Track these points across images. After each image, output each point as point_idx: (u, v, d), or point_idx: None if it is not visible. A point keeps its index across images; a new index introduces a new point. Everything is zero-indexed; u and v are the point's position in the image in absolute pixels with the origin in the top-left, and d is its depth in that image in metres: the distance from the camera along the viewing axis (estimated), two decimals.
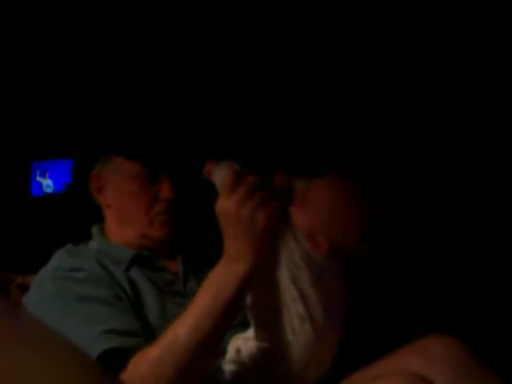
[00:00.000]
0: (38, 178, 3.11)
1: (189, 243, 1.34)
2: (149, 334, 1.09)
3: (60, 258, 1.19)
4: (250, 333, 1.04)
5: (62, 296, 1.08)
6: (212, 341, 0.94)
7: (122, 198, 1.24)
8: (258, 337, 1.02)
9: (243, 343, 1.04)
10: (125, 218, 1.25)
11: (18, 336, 0.60)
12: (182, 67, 1.95)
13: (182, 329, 0.93)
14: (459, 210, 1.78)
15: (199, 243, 1.37)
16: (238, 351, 1.03)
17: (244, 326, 1.06)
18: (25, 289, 1.25)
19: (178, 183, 1.24)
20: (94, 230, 1.30)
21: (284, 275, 0.96)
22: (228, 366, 1.04)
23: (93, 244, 1.27)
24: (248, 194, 0.91)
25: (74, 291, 1.09)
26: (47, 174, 3.13)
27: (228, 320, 0.96)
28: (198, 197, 1.69)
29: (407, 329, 1.09)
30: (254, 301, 1.00)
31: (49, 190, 3.14)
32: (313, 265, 0.96)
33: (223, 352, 1.05)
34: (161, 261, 1.27)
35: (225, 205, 0.92)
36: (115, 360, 0.95)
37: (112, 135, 1.34)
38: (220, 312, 0.93)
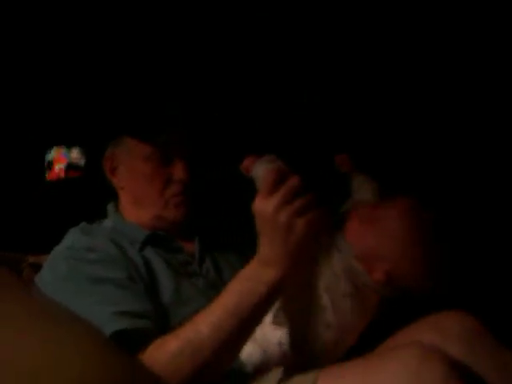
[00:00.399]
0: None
1: (205, 224, 1.32)
2: (162, 314, 1.07)
3: (74, 237, 1.17)
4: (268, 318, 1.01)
5: (74, 277, 1.06)
6: (234, 341, 0.91)
7: (135, 180, 1.23)
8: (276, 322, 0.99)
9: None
10: (138, 200, 1.24)
11: (29, 312, 0.60)
12: (190, 56, 1.94)
13: (204, 326, 0.89)
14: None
15: (216, 224, 1.36)
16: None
17: None
18: (37, 268, 1.23)
19: (191, 164, 1.22)
20: (109, 207, 1.29)
21: (319, 283, 0.93)
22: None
23: (108, 222, 1.25)
24: (289, 198, 0.86)
25: (87, 272, 1.07)
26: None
27: (253, 323, 0.93)
28: (215, 179, 1.69)
29: (422, 304, 1.07)
30: (284, 300, 0.97)
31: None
32: (354, 279, 0.93)
33: None
34: (176, 241, 1.25)
35: (263, 206, 0.87)
36: (126, 342, 0.92)
37: (124, 116, 1.32)
38: (245, 315, 0.89)
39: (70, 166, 2.95)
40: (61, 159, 2.95)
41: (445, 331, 0.96)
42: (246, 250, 1.33)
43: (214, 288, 1.17)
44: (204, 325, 0.89)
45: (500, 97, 1.75)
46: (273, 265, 0.89)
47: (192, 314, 1.08)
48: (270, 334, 0.98)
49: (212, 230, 1.32)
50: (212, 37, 1.87)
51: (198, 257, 1.22)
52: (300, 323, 0.95)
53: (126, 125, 1.27)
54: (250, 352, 1.00)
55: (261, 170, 0.91)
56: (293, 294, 0.94)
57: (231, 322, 0.89)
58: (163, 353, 0.88)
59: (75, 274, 1.07)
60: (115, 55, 1.88)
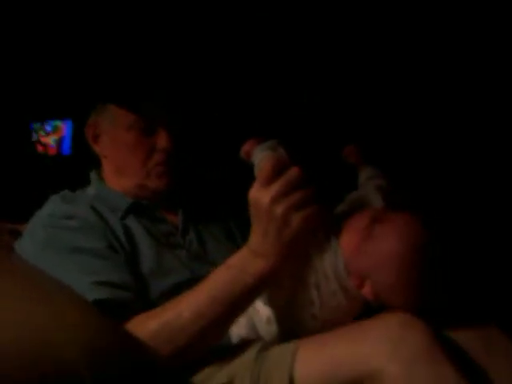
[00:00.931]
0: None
1: (190, 196, 1.32)
2: (142, 284, 1.07)
3: (54, 205, 1.17)
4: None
5: (54, 245, 1.07)
6: (216, 328, 0.92)
7: (117, 149, 1.23)
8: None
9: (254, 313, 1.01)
10: (121, 169, 1.24)
11: (9, 276, 0.59)
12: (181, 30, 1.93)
13: (186, 310, 0.89)
14: None
15: (200, 196, 1.36)
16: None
17: None
18: (16, 235, 1.23)
19: (175, 134, 1.22)
20: (92, 175, 1.28)
21: (310, 279, 0.92)
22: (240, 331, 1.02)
23: (91, 190, 1.25)
24: (288, 190, 0.84)
25: (66, 241, 1.07)
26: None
27: (237, 312, 0.93)
28: (200, 150, 1.68)
29: None
30: (273, 287, 0.95)
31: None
32: (344, 282, 0.92)
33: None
34: (160, 211, 1.25)
35: (259, 196, 0.85)
36: (105, 313, 0.94)
37: (107, 84, 1.31)
38: (229, 304, 0.89)
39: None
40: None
41: None
42: (230, 222, 1.34)
43: (197, 260, 1.17)
44: (186, 309, 0.90)
45: (500, 96, 1.76)
46: (262, 256, 0.88)
47: (173, 285, 1.08)
48: (260, 311, 0.99)
49: (196, 202, 1.32)
50: (213, 36, 1.86)
51: (182, 228, 1.23)
52: (287, 310, 0.95)
53: (110, 92, 1.26)
54: (238, 325, 1.00)
55: (261, 157, 0.89)
56: (282, 284, 0.94)
57: (214, 310, 0.89)
58: (142, 331, 0.88)
59: (54, 242, 1.07)
60: (105, 26, 1.85)
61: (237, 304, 0.91)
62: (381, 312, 0.93)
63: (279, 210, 0.84)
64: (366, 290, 0.91)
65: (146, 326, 0.91)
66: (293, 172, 0.85)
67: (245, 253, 0.91)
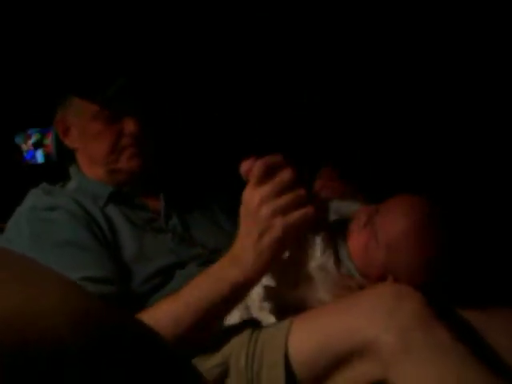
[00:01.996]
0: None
1: (171, 181, 1.33)
2: (126, 271, 1.08)
3: (34, 197, 1.18)
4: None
5: (37, 240, 1.08)
6: (194, 334, 0.91)
7: (86, 140, 1.24)
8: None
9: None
10: (93, 158, 1.25)
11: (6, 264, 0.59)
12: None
13: (164, 317, 0.90)
14: None
15: (183, 181, 1.37)
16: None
17: None
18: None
19: (141, 119, 1.22)
20: (72, 169, 1.29)
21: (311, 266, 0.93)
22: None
23: (71, 184, 1.26)
24: (277, 191, 0.83)
25: (50, 235, 1.08)
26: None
27: (215, 319, 0.93)
28: (181, 136, 1.67)
29: None
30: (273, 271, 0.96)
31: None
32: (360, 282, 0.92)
33: None
34: (140, 199, 1.26)
35: (250, 196, 0.85)
36: None
37: (69, 76, 1.31)
38: (205, 311, 0.89)
39: None
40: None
41: None
42: (214, 206, 1.34)
43: (183, 243, 1.18)
44: (163, 316, 0.90)
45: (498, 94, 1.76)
46: (241, 265, 0.87)
47: (158, 269, 1.09)
48: (255, 291, 0.98)
49: (178, 186, 1.32)
50: (211, 36, 1.86)
51: (164, 213, 1.24)
52: (288, 294, 0.96)
53: (71, 84, 1.27)
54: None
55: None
56: (282, 269, 0.94)
57: (191, 317, 0.89)
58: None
59: (38, 237, 1.08)
60: (65, 14, 1.81)
61: (213, 312, 0.90)
62: None
63: (265, 211, 0.83)
64: (389, 280, 0.91)
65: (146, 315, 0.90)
66: (285, 173, 0.84)
67: (224, 260, 0.90)
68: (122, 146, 1.22)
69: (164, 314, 0.90)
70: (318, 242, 0.94)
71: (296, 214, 0.84)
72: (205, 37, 1.90)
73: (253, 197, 0.84)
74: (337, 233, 0.96)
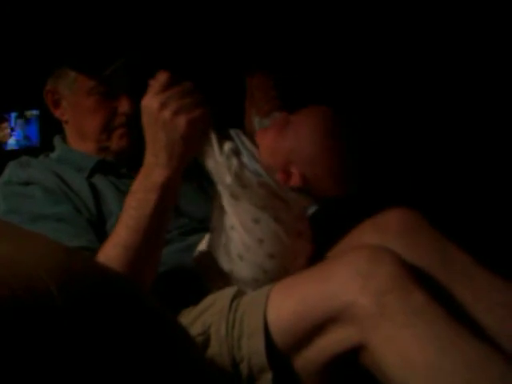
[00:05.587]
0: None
1: None
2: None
3: (11, 171, 1.18)
4: None
5: (14, 215, 1.08)
6: (144, 255, 0.94)
7: (79, 114, 1.24)
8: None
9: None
10: (83, 133, 1.25)
11: None
12: None
13: (111, 249, 0.93)
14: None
15: None
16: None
17: None
18: None
19: (136, 99, 1.23)
20: (56, 139, 1.30)
21: (223, 200, 0.97)
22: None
23: (54, 154, 1.26)
24: (176, 95, 0.90)
25: (27, 209, 1.08)
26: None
27: (157, 232, 0.95)
28: None
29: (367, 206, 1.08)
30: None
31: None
32: (269, 183, 0.95)
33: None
34: (126, 170, 1.26)
35: (149, 103, 0.91)
36: None
37: (67, 48, 1.30)
38: (145, 227, 0.92)
39: None
40: None
41: (384, 229, 0.99)
42: (202, 179, 1.34)
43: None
44: (112, 247, 0.93)
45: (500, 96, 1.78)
46: (157, 169, 0.92)
47: None
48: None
49: None
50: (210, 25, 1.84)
51: None
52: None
53: (68, 57, 1.26)
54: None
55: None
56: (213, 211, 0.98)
57: (135, 238, 0.92)
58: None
59: (15, 212, 1.09)
60: None
61: (152, 224, 0.93)
62: (343, 241, 0.98)
63: (167, 113, 0.89)
64: (294, 179, 0.96)
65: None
66: (184, 84, 0.91)
67: (141, 175, 0.95)
68: (115, 125, 1.23)
69: (112, 246, 0.93)
70: (224, 147, 0.96)
71: (197, 112, 0.91)
72: (204, 26, 1.88)
73: (152, 103, 0.91)
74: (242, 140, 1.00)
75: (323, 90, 1.67)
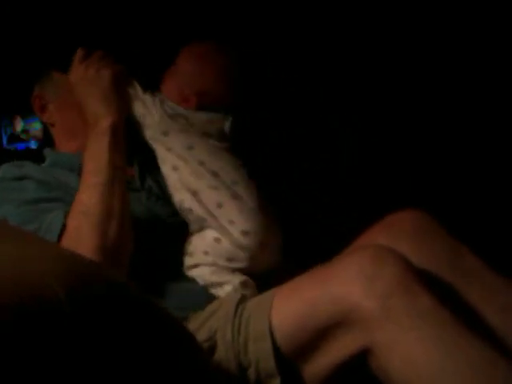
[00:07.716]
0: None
1: (143, 152, 1.30)
2: None
3: (4, 170, 1.18)
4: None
5: (9, 203, 1.10)
6: (107, 217, 0.98)
7: (65, 113, 1.26)
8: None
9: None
10: (71, 131, 1.26)
11: None
12: None
13: (74, 220, 0.98)
14: None
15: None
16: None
17: None
18: None
19: None
20: (46, 151, 1.30)
21: (158, 151, 1.15)
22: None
23: (45, 163, 1.26)
24: (94, 60, 1.11)
25: (21, 197, 1.10)
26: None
27: (117, 190, 1.02)
28: None
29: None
30: None
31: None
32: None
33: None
34: None
35: (74, 71, 1.11)
36: None
37: (48, 51, 1.32)
38: (105, 186, 1.00)
39: None
40: None
41: (395, 231, 0.98)
42: None
43: (158, 201, 1.20)
44: (76, 216, 0.98)
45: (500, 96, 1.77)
46: (101, 119, 1.07)
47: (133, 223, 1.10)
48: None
49: (151, 153, 1.31)
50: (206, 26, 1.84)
51: (139, 176, 1.25)
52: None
53: (51, 59, 1.29)
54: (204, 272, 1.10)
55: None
56: None
57: (97, 197, 0.98)
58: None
59: (6, 201, 1.10)
60: None
61: (112, 182, 1.01)
62: (354, 243, 0.97)
63: (92, 70, 1.09)
64: (191, 100, 1.18)
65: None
66: (97, 52, 1.12)
67: (90, 130, 1.08)
68: None
69: (76, 215, 0.98)
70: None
71: (116, 67, 1.12)
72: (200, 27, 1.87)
73: (77, 70, 1.11)
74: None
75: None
